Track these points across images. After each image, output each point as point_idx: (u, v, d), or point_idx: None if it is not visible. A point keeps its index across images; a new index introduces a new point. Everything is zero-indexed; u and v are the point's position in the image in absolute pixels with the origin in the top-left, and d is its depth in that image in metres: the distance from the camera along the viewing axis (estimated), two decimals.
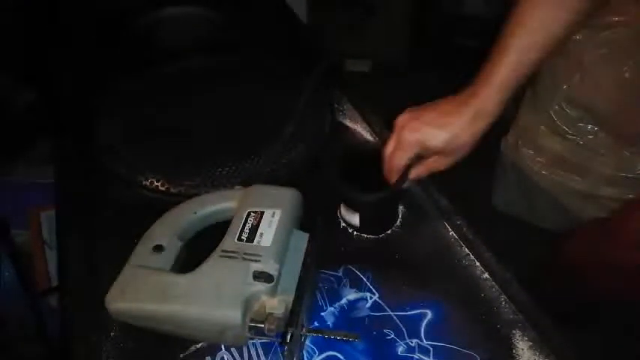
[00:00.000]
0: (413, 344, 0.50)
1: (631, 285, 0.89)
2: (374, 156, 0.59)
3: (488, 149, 1.36)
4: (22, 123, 1.22)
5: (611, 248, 0.91)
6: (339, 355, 0.50)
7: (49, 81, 0.91)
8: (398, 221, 0.62)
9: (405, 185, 0.57)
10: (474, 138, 0.53)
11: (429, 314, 0.53)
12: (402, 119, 0.56)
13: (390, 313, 0.53)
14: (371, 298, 0.54)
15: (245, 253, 0.49)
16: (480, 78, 0.52)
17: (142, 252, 0.52)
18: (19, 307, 1.03)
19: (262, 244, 0.50)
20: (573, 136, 1.11)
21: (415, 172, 0.57)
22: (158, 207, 0.57)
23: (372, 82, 1.84)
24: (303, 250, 0.52)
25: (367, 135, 0.75)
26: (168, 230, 0.54)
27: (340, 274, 0.56)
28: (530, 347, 0.51)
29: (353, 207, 0.59)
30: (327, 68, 0.75)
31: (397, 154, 0.55)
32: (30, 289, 1.06)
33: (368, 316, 0.53)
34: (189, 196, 0.59)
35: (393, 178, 0.57)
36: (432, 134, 0.53)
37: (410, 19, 1.81)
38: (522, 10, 0.50)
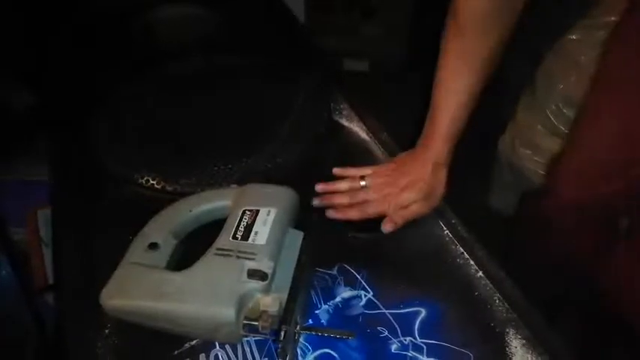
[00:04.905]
0: (406, 342, 0.51)
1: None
2: None
3: (484, 149, 1.37)
4: (20, 122, 1.22)
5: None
6: (333, 353, 0.50)
7: (46, 80, 0.91)
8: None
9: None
10: (441, 184, 0.61)
11: (423, 312, 0.53)
12: (378, 184, 0.62)
13: (384, 311, 0.53)
14: (365, 296, 0.54)
15: (240, 251, 0.49)
16: (427, 133, 0.62)
17: (137, 249, 0.52)
18: (16, 305, 1.03)
19: (257, 243, 0.50)
20: None
21: (402, 218, 0.60)
22: (154, 205, 0.57)
23: (369, 81, 1.84)
24: (298, 249, 0.52)
25: (363, 135, 0.75)
26: (164, 228, 0.54)
27: (335, 272, 0.56)
28: (524, 345, 0.51)
29: None
30: (324, 69, 0.75)
31: (379, 207, 0.61)
32: (27, 287, 1.06)
33: (362, 314, 0.53)
34: (185, 194, 0.59)
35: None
36: (409, 198, 0.60)
37: (409, 19, 1.81)
38: (445, 75, 0.60)
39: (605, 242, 0.87)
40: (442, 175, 0.62)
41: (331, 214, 0.61)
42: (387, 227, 0.59)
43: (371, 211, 0.61)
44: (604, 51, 0.76)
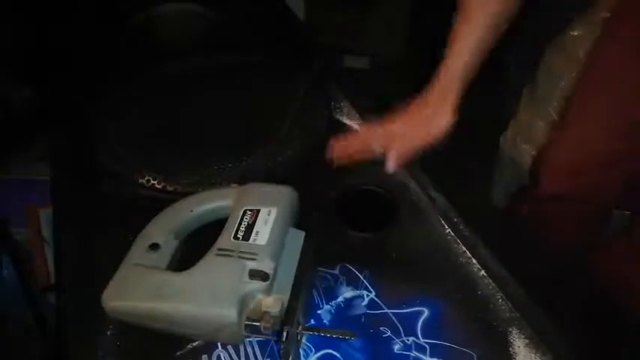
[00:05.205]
0: (409, 342, 0.50)
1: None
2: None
3: (486, 146, 1.36)
4: (22, 120, 1.22)
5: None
6: (335, 353, 0.50)
7: (47, 79, 0.91)
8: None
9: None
10: (447, 114, 0.60)
11: (426, 312, 0.53)
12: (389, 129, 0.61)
13: (387, 311, 0.53)
14: (367, 295, 0.54)
15: (241, 252, 0.49)
16: (439, 73, 0.61)
17: (138, 250, 0.52)
18: (18, 305, 1.04)
19: (258, 243, 0.50)
20: None
21: (402, 147, 0.60)
22: (154, 205, 0.57)
23: (370, 78, 1.83)
24: (299, 248, 0.52)
25: None
26: (165, 228, 0.54)
27: (337, 271, 0.56)
28: (527, 345, 0.50)
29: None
30: (323, 65, 0.75)
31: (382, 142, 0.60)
32: (30, 287, 1.06)
33: (364, 314, 0.53)
34: (186, 194, 0.59)
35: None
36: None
37: (409, 15, 1.81)
38: (461, 20, 0.59)
39: (595, 233, 0.88)
40: (448, 106, 0.60)
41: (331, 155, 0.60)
42: (389, 164, 0.59)
43: (376, 145, 0.60)
44: (595, 44, 0.77)
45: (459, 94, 0.60)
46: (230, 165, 0.64)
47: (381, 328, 0.51)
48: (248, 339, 0.50)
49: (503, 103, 1.33)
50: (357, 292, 0.54)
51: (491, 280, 0.56)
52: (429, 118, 0.60)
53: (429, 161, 0.70)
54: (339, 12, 1.81)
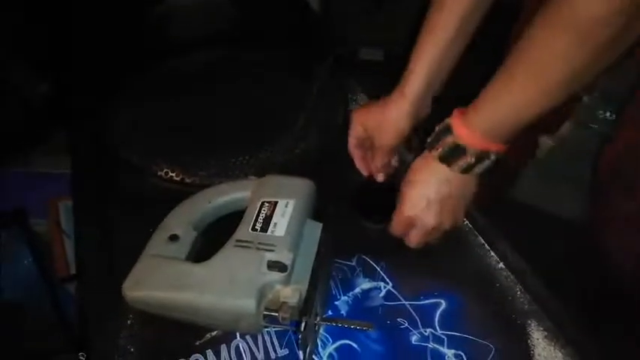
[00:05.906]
0: (427, 334, 0.50)
1: None
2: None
3: None
4: (41, 112, 1.23)
5: None
6: (353, 344, 0.50)
7: (65, 72, 0.92)
8: None
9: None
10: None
11: (443, 304, 0.53)
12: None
13: (404, 302, 0.53)
14: (385, 287, 0.54)
15: (259, 243, 0.49)
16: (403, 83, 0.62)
17: (157, 241, 0.53)
18: (38, 295, 1.06)
19: (276, 234, 0.50)
20: (594, 125, 1.09)
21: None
22: (173, 197, 0.58)
23: (385, 70, 1.82)
24: (317, 240, 0.52)
25: None
26: (184, 220, 0.55)
27: (354, 263, 0.56)
28: (546, 337, 0.50)
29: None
30: (339, 58, 0.75)
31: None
32: (49, 277, 1.08)
33: (382, 305, 0.53)
34: (204, 186, 0.59)
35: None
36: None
37: (424, 6, 1.79)
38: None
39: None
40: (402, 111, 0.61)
41: None
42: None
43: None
44: None
45: (417, 100, 0.60)
46: (247, 157, 0.65)
47: (399, 320, 0.51)
48: (266, 329, 0.50)
49: None
50: (374, 284, 0.55)
51: (509, 273, 0.55)
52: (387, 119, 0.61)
53: None
54: (354, 3, 1.80)
